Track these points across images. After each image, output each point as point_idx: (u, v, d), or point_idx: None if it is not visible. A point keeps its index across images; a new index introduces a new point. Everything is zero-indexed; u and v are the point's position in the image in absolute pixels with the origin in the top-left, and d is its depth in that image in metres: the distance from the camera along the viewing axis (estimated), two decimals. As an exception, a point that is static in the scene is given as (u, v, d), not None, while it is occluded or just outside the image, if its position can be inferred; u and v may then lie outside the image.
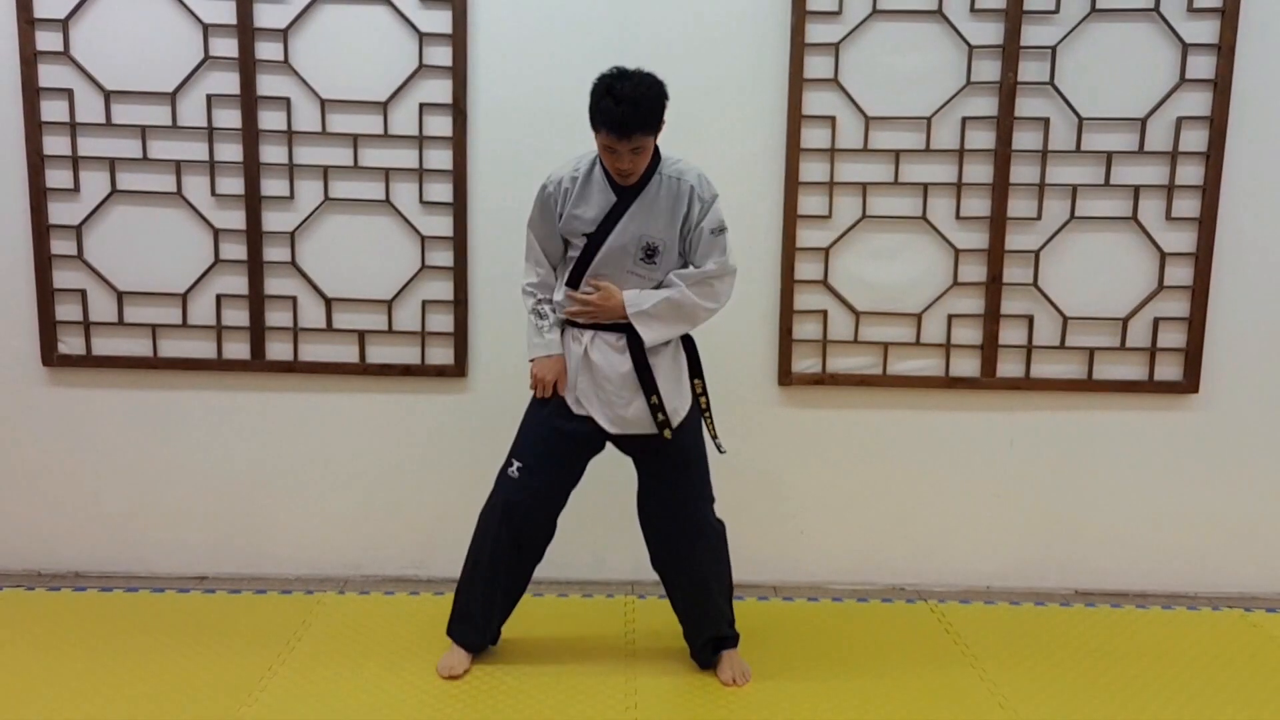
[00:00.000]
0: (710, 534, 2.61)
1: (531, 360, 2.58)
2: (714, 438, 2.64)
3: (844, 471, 3.22)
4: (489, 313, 3.11)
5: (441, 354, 3.16)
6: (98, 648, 2.73)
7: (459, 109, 3.03)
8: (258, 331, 3.13)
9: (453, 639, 2.67)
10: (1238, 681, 2.68)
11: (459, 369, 3.15)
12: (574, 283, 2.52)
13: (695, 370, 2.60)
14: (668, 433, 2.50)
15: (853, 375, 3.16)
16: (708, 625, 2.66)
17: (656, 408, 2.49)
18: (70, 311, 3.13)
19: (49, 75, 3.02)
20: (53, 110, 3.03)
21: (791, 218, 3.08)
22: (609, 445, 2.62)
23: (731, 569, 2.68)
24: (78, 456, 3.20)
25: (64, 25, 2.99)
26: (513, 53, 3.03)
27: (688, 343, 2.60)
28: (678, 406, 2.54)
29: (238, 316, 3.13)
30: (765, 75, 3.04)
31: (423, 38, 3.01)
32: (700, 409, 2.61)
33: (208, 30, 3.00)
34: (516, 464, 2.58)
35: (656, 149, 2.48)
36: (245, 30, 2.99)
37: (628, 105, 2.30)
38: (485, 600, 2.63)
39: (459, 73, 3.01)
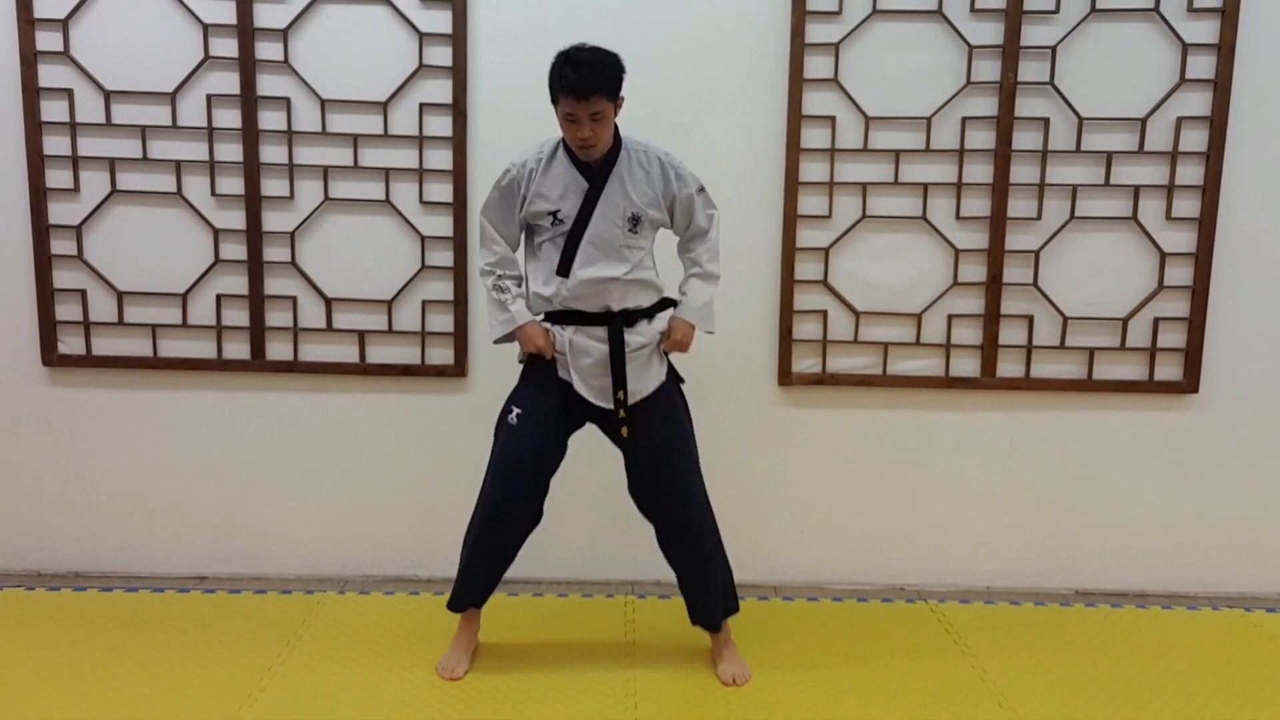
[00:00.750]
0: (702, 504, 2.61)
1: (507, 338, 2.57)
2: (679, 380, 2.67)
3: (844, 471, 3.22)
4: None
5: (441, 354, 3.16)
6: (98, 648, 2.73)
7: (459, 109, 3.03)
8: (258, 331, 3.13)
9: (450, 608, 2.67)
10: (1238, 681, 2.68)
11: (459, 369, 3.15)
12: (564, 271, 2.51)
13: None
14: (623, 412, 2.52)
15: (853, 375, 3.16)
16: (714, 593, 2.65)
17: (620, 402, 2.52)
18: (70, 311, 3.13)
19: (49, 75, 3.02)
20: (53, 110, 3.03)
21: (791, 218, 3.08)
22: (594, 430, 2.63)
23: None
24: (78, 456, 3.20)
25: (64, 25, 2.99)
26: (513, 53, 3.03)
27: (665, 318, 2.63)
28: (663, 381, 2.57)
29: (238, 316, 3.13)
30: (765, 75, 3.04)
31: (423, 38, 3.01)
32: (677, 376, 2.64)
33: (208, 30, 3.00)
34: (516, 410, 2.58)
35: (618, 131, 2.50)
36: (245, 30, 2.99)
37: (586, 68, 2.35)
38: (473, 568, 2.61)
39: (459, 73, 3.02)
